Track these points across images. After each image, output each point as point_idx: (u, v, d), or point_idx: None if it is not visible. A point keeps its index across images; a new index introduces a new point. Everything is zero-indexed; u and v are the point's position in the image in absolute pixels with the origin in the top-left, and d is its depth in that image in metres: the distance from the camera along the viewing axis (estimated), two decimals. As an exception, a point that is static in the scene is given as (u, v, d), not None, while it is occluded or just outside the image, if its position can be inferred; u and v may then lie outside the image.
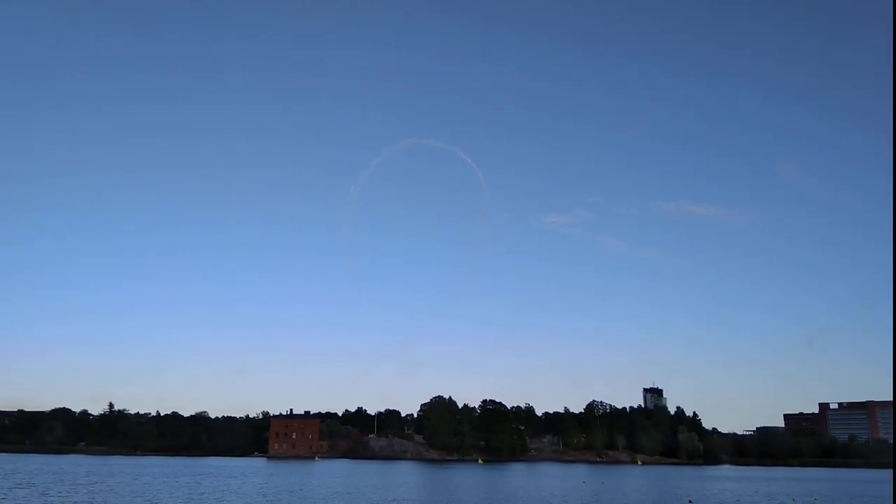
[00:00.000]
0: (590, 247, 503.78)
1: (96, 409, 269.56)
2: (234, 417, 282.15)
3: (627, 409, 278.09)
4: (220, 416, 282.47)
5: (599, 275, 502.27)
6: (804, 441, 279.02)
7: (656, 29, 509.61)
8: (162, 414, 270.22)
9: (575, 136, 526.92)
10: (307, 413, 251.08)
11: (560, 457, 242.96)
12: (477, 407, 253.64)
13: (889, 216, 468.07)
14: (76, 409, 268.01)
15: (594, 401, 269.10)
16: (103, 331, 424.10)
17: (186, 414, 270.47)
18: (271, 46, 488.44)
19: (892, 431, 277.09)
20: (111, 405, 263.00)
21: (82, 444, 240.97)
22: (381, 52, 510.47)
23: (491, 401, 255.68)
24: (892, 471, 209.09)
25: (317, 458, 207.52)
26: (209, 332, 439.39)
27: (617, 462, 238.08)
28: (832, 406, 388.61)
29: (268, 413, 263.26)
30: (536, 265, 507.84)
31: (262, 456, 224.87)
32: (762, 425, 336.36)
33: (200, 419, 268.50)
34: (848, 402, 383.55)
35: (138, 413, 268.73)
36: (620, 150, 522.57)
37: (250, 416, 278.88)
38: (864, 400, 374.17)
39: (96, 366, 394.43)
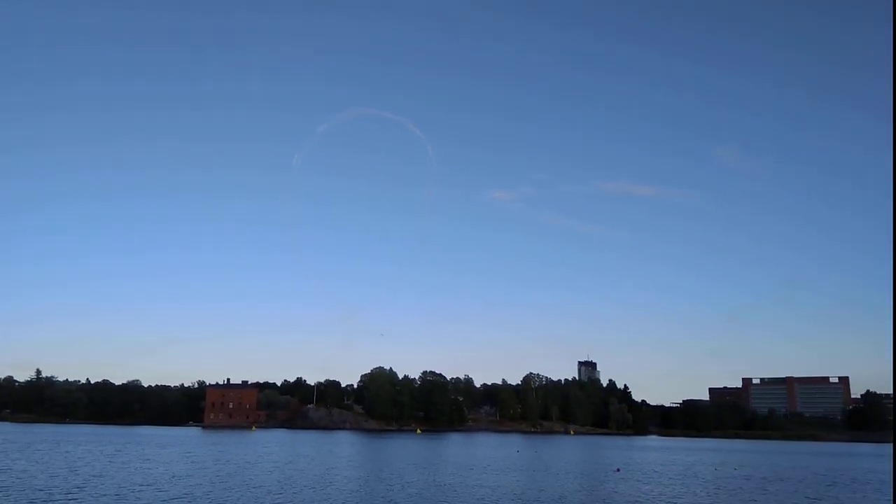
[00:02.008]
0: (533, 223, 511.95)
1: (22, 375, 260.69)
2: (168, 386, 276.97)
3: (562, 381, 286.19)
4: (153, 384, 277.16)
5: (541, 250, 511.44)
6: (727, 413, 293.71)
7: (606, 9, 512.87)
8: (92, 382, 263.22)
9: (523, 113, 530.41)
10: (245, 383, 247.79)
11: (496, 427, 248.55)
12: (417, 378, 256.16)
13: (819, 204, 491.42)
14: (0, 375, 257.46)
15: (531, 373, 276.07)
16: (30, 295, 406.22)
17: (118, 382, 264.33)
18: (213, 16, 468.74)
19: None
20: (38, 372, 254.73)
21: (7, 411, 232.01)
22: (329, 20, 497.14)
23: (431, 372, 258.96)
24: (806, 443, 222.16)
25: (254, 428, 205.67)
26: (142, 299, 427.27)
27: (550, 432, 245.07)
28: (754, 381, 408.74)
29: (204, 382, 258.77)
30: (480, 239, 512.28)
31: (197, 425, 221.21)
32: (688, 398, 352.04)
33: (132, 388, 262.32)
34: (769, 378, 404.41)
35: (67, 380, 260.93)
36: (565, 128, 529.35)
37: (185, 385, 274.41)
38: (783, 376, 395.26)
39: (22, 331, 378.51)
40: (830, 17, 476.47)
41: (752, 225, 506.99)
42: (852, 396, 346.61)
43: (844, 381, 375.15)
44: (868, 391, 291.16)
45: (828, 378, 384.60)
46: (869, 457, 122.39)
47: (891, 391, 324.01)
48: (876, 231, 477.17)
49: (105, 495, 42.23)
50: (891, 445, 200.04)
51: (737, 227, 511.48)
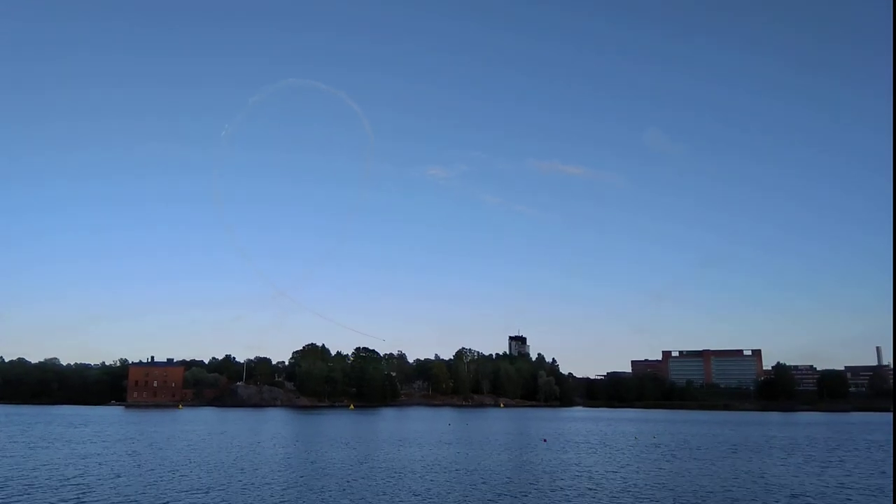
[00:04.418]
0: (467, 200, 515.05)
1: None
2: (89, 365, 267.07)
3: (493, 356, 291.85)
4: (72, 363, 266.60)
5: (474, 227, 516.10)
6: (648, 385, 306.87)
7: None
8: (6, 360, 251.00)
9: (462, 90, 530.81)
10: (170, 361, 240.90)
11: (429, 401, 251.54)
12: (350, 354, 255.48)
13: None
14: None
15: (463, 348, 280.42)
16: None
17: (34, 360, 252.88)
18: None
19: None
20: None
21: None
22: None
23: (364, 348, 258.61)
24: (720, 412, 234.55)
25: (181, 407, 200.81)
26: (61, 275, 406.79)
27: (481, 405, 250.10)
28: (673, 354, 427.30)
29: (126, 361, 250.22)
30: (415, 216, 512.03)
31: (119, 405, 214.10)
32: (612, 370, 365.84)
33: (50, 366, 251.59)
34: (687, 351, 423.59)
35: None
36: (502, 105, 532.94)
37: (107, 363, 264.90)
38: (700, 349, 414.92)
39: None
40: (758, 9, 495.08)
41: (674, 206, 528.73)
42: (764, 368, 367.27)
43: (757, 353, 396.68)
44: (778, 363, 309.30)
45: (741, 351, 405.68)
46: (774, 425, 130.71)
47: (799, 363, 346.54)
48: (785, 213, 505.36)
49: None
50: (798, 414, 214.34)
51: (660, 207, 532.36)
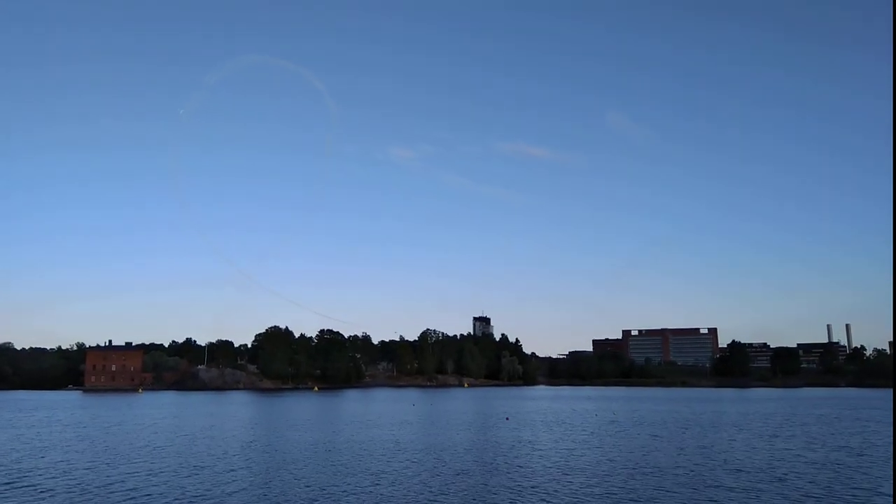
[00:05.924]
0: (431, 181, 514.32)
1: None
2: (44, 349, 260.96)
3: (458, 337, 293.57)
4: (27, 347, 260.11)
5: (439, 209, 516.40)
6: (608, 363, 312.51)
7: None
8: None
9: (427, 71, 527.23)
10: (129, 344, 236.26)
11: (394, 382, 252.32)
12: (314, 336, 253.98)
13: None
14: None
15: (428, 329, 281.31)
16: None
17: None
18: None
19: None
20: None
21: None
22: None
23: (328, 330, 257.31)
24: (678, 389, 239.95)
25: (140, 391, 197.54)
26: (13, 255, 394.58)
27: (446, 385, 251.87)
28: (633, 333, 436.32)
29: (83, 345, 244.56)
30: (379, 196, 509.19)
31: (77, 389, 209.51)
32: (574, 349, 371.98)
33: (4, 350, 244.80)
34: (646, 330, 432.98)
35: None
36: (468, 87, 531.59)
37: (63, 347, 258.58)
38: (659, 328, 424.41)
39: None
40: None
41: (634, 188, 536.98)
42: (720, 346, 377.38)
43: (713, 332, 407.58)
44: (734, 341, 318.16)
45: (698, 329, 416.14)
46: (728, 401, 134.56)
47: (754, 341, 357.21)
48: (741, 196, 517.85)
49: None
50: (752, 390, 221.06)
51: (620, 189, 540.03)
